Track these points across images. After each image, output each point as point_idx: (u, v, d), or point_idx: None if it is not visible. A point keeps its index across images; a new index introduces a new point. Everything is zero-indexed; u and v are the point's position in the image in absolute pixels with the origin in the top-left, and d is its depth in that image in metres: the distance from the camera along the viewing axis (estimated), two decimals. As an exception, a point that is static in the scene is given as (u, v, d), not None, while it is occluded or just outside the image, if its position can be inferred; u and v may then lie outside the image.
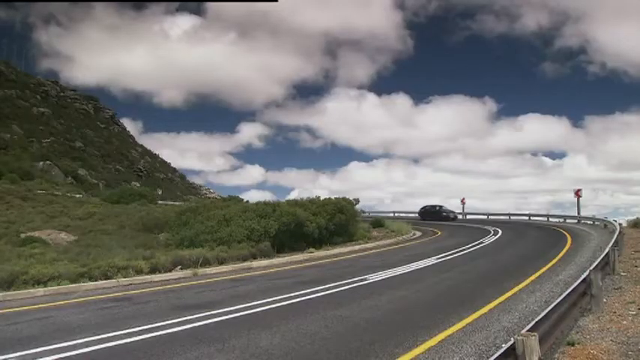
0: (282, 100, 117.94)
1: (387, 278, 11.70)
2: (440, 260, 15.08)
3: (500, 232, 25.89)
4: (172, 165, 67.63)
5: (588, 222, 29.40)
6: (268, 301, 8.83)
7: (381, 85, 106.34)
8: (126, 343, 6.26)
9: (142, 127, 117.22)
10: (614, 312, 7.16)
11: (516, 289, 9.44)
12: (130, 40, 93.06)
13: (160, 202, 35.18)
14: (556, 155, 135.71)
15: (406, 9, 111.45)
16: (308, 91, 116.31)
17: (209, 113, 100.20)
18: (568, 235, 21.69)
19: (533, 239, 21.77)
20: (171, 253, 15.29)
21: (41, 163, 38.19)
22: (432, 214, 41.15)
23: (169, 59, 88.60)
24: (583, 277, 7.35)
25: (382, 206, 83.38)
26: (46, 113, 50.59)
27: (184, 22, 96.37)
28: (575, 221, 31.22)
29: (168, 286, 11.67)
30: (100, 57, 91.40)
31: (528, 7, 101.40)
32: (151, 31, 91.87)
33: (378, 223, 31.27)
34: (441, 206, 42.68)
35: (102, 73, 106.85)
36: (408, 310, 8.12)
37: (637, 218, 25.16)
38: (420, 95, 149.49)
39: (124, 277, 12.34)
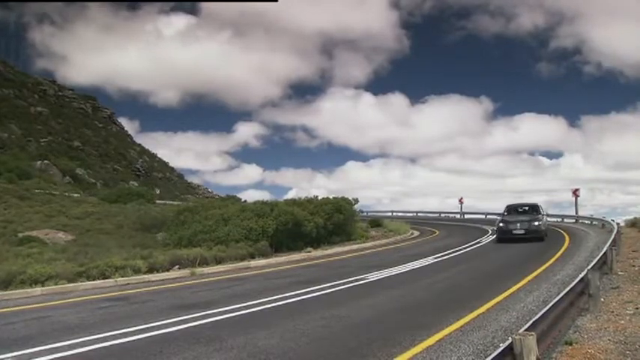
0: (278, 99, 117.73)
1: (385, 278, 11.70)
2: (438, 260, 15.08)
3: (498, 231, 25.86)
4: (170, 164, 67.50)
5: (586, 221, 29.41)
6: (266, 301, 8.82)
7: (378, 85, 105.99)
8: (123, 342, 6.25)
9: (139, 127, 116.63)
10: (612, 311, 7.16)
11: (514, 288, 9.42)
12: (124, 40, 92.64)
13: (158, 201, 35.15)
14: (553, 155, 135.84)
15: (402, 9, 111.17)
16: (304, 91, 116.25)
17: (205, 113, 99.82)
18: (566, 235, 21.67)
19: (531, 239, 21.73)
20: (169, 253, 15.29)
21: (39, 162, 38.07)
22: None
23: (164, 59, 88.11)
24: (581, 276, 7.34)
25: (380, 206, 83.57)
26: (44, 112, 50.45)
27: (179, 21, 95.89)
28: (573, 221, 31.22)
29: (166, 286, 11.67)
30: (94, 57, 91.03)
31: (524, 7, 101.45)
32: (145, 31, 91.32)
33: (376, 222, 31.41)
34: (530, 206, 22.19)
35: (97, 72, 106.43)
36: (405, 309, 8.11)
37: (635, 218, 25.17)
38: (417, 95, 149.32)
39: (122, 277, 12.33)
